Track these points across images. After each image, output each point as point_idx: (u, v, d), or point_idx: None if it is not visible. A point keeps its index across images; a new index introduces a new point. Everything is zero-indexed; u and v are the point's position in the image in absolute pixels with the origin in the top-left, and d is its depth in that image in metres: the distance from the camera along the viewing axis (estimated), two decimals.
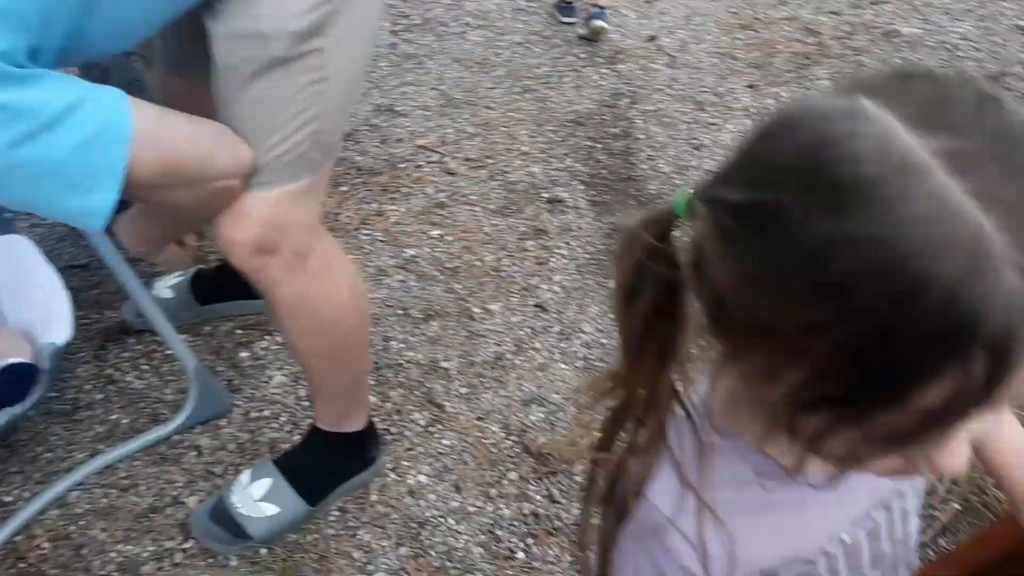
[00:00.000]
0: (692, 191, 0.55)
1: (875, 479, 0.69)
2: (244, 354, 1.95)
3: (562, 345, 2.02)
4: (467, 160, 2.62)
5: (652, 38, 3.26)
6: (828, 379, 0.49)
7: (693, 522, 0.65)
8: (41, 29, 0.96)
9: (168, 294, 1.95)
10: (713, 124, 2.78)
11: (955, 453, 0.53)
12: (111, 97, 1.05)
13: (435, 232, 2.33)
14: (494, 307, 2.11)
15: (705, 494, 0.65)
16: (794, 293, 0.48)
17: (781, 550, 0.68)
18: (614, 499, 0.67)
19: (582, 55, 3.15)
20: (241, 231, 1.24)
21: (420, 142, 2.68)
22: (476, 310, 2.10)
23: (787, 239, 0.48)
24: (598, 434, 0.68)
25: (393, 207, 2.41)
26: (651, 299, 0.57)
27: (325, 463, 1.57)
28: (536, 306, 2.13)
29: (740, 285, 0.52)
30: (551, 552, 1.60)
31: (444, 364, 1.96)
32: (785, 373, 0.52)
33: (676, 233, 0.57)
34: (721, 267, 0.53)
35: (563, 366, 1.97)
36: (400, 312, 2.08)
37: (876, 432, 0.50)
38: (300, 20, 1.14)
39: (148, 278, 1.97)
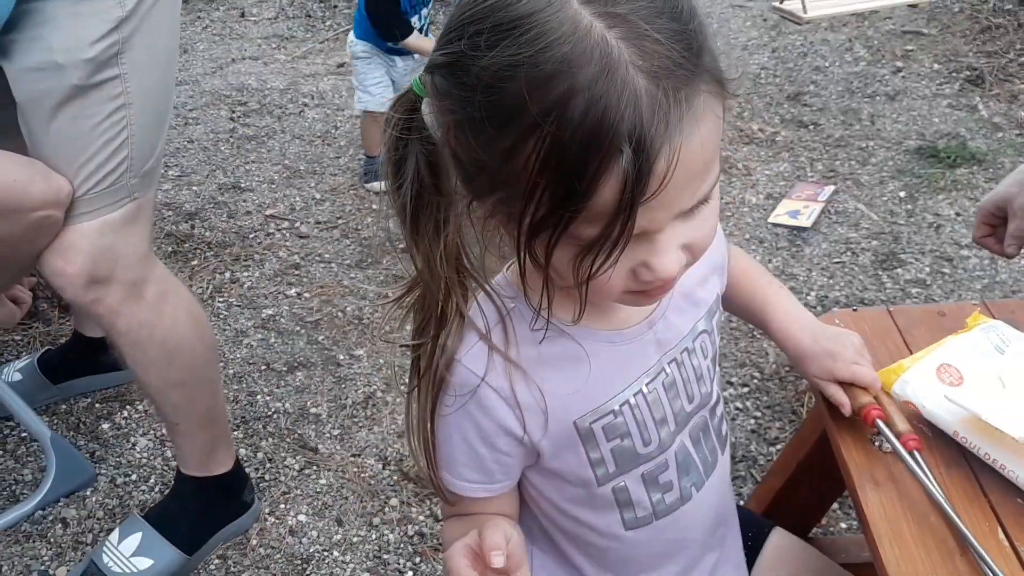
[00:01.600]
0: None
1: (663, 330, 0.77)
2: (105, 425, 1.87)
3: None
4: (318, 223, 2.65)
5: None
6: (532, 200, 0.56)
7: (504, 380, 0.71)
8: None
9: (17, 377, 1.87)
10: None
11: (664, 257, 0.61)
12: None
13: (292, 291, 2.34)
14: (360, 352, 2.12)
15: (509, 353, 0.70)
16: (486, 126, 0.57)
17: (586, 400, 0.74)
18: (431, 373, 0.71)
19: None
20: (70, 263, 1.24)
21: (269, 212, 2.70)
22: (342, 357, 2.10)
23: (471, 79, 0.57)
24: (412, 325, 0.73)
25: (247, 274, 2.40)
26: (415, 171, 0.65)
27: (196, 509, 1.52)
28: (403, 346, 2.15)
29: (456, 134, 0.61)
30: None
31: (314, 410, 1.94)
32: (509, 207, 0.59)
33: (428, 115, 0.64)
34: (444, 123, 0.62)
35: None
36: (263, 367, 2.06)
37: (585, 239, 0.57)
38: (93, 48, 1.18)
39: None
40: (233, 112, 3.34)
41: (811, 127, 3.06)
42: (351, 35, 2.79)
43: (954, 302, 2.03)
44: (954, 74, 3.31)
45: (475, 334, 0.71)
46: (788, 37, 3.75)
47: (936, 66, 3.39)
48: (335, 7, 4.40)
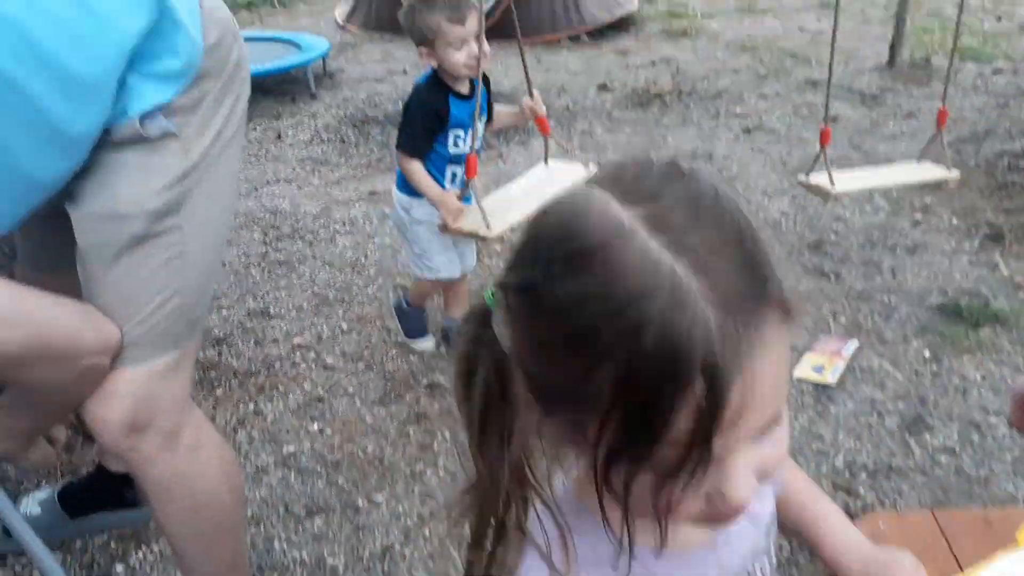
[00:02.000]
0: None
1: (726, 554, 0.76)
2: (119, 567, 1.84)
3: (455, 530, 2.01)
4: (344, 354, 2.67)
5: None
6: (608, 427, 0.57)
7: None
8: None
9: (36, 511, 1.85)
10: None
11: (738, 485, 0.61)
12: None
13: (314, 426, 2.33)
14: (379, 497, 2.09)
15: (570, 575, 0.69)
16: (557, 351, 0.58)
17: None
18: None
19: None
20: (112, 410, 1.25)
21: (296, 341, 2.72)
22: (361, 502, 2.07)
23: (544, 306, 0.59)
24: (469, 535, 0.72)
25: (270, 406, 2.41)
26: (484, 383, 0.66)
27: None
28: (423, 494, 2.12)
29: (528, 354, 0.62)
30: None
31: (331, 561, 1.90)
32: (584, 431, 0.60)
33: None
34: (515, 340, 0.63)
35: (454, 552, 1.95)
36: (282, 510, 2.03)
37: (662, 468, 0.58)
38: (157, 199, 1.22)
39: (13, 496, 1.87)
40: (266, 235, 3.42)
41: (832, 278, 3.09)
42: (396, 192, 2.48)
43: (999, 507, 1.97)
44: (973, 229, 3.37)
45: (535, 551, 0.70)
46: None
47: (955, 221, 3.45)
48: (368, 134, 4.56)
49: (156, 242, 1.24)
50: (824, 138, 2.90)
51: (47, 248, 1.47)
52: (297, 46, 5.40)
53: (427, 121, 2.33)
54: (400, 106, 4.59)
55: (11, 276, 1.50)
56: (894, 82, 5.11)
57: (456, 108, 2.35)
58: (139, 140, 1.21)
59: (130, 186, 1.22)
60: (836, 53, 5.78)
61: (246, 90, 1.40)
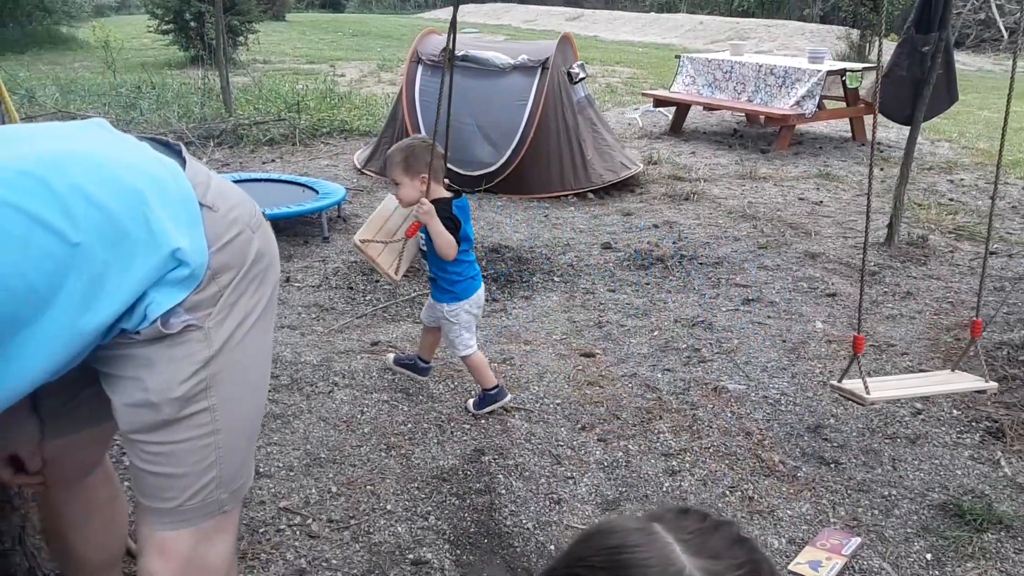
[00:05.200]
0: None
1: None
2: None
3: None
4: (330, 521, 2.60)
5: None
6: None
7: None
8: None
9: None
10: (570, 478, 2.92)
11: None
12: None
13: None
14: None
15: None
16: None
17: None
18: None
19: (444, 411, 3.33)
20: (164, 567, 1.41)
21: (282, 504, 2.66)
22: None
23: None
24: None
25: None
26: None
27: None
28: None
29: None
30: None
31: None
32: None
33: None
34: None
35: None
36: None
37: None
38: (182, 387, 1.36)
39: None
40: None
41: (832, 465, 3.05)
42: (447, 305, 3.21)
43: None
44: (974, 423, 3.35)
45: None
46: (808, 363, 3.86)
47: (955, 412, 3.44)
48: (377, 282, 4.63)
49: (187, 424, 1.37)
50: (857, 347, 2.92)
51: (60, 418, 1.58)
52: (314, 191, 5.57)
53: None
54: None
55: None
56: (892, 260, 5.23)
57: None
58: (163, 336, 1.34)
59: (158, 378, 1.35)
60: (834, 226, 5.96)
61: (273, 272, 1.54)
